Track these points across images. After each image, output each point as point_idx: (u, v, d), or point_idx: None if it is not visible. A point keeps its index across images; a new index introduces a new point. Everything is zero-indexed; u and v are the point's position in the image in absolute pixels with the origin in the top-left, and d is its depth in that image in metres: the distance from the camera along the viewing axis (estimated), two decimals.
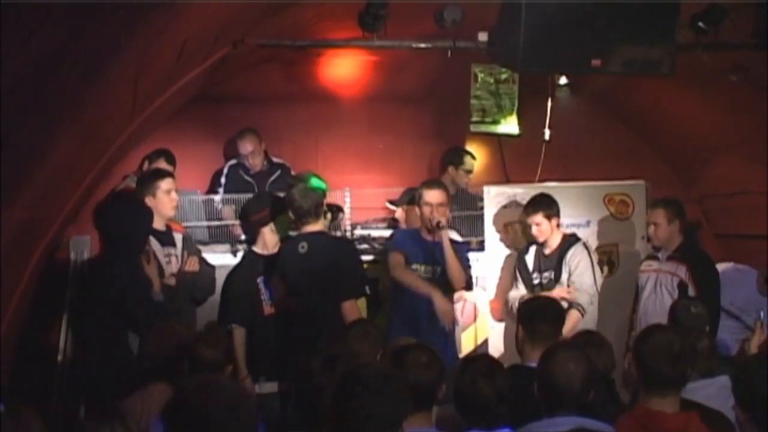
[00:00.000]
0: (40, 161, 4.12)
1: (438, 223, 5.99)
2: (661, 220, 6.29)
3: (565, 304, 6.18)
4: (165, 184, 5.92)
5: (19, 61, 2.97)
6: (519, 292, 6.50)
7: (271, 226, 6.18)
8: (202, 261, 6.20)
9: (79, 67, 3.61)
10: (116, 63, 4.09)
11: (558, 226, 6.43)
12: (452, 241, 6.14)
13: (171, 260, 5.95)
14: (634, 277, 6.59)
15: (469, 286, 6.35)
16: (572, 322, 6.09)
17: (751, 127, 7.04)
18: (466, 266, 6.22)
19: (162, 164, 6.64)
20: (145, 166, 6.71)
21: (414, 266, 6.11)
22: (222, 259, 6.50)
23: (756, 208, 7.24)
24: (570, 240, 6.45)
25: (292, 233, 6.20)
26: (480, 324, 6.88)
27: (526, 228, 6.58)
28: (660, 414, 3.48)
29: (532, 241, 6.55)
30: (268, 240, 6.16)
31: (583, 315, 6.25)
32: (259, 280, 6.04)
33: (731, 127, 7.50)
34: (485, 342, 6.83)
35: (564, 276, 6.34)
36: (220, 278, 6.29)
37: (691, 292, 6.09)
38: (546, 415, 3.53)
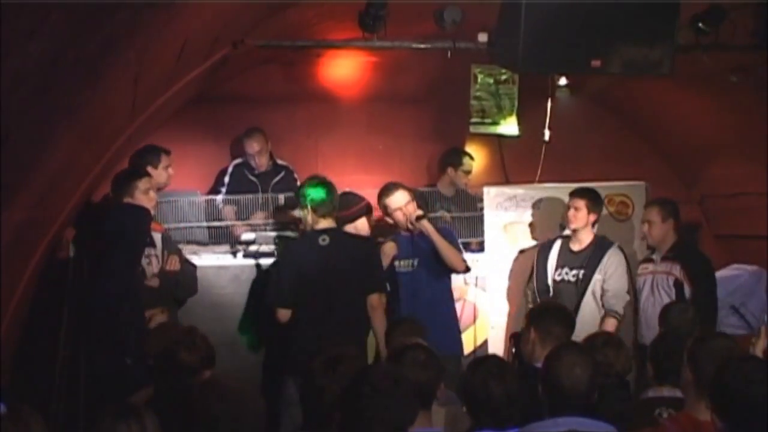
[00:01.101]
0: (40, 161, 4.12)
1: (417, 217, 6.05)
2: (655, 218, 6.32)
3: (601, 312, 6.18)
4: (143, 183, 5.82)
5: (19, 61, 2.97)
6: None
7: (357, 224, 6.27)
8: (185, 261, 6.17)
9: (79, 67, 3.61)
10: (116, 63, 4.09)
11: (593, 225, 6.38)
12: (437, 227, 6.20)
13: (151, 261, 5.92)
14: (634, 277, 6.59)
15: (467, 267, 6.32)
16: (610, 330, 6.06)
17: (751, 128, 7.05)
18: (459, 249, 6.26)
19: (166, 161, 6.56)
20: (150, 169, 6.59)
21: (395, 263, 6.19)
22: (222, 259, 6.50)
23: (756, 208, 7.24)
24: (605, 242, 6.40)
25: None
26: (480, 324, 6.88)
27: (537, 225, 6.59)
28: (707, 424, 3.43)
29: (556, 236, 6.54)
30: None
31: (619, 321, 6.23)
32: None
33: (731, 127, 7.50)
34: (485, 342, 6.84)
35: (596, 277, 6.28)
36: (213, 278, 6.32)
37: (687, 289, 6.10)
38: (549, 416, 3.52)
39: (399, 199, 6.14)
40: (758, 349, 5.52)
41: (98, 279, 5.45)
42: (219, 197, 7.14)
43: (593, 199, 6.36)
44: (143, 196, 5.80)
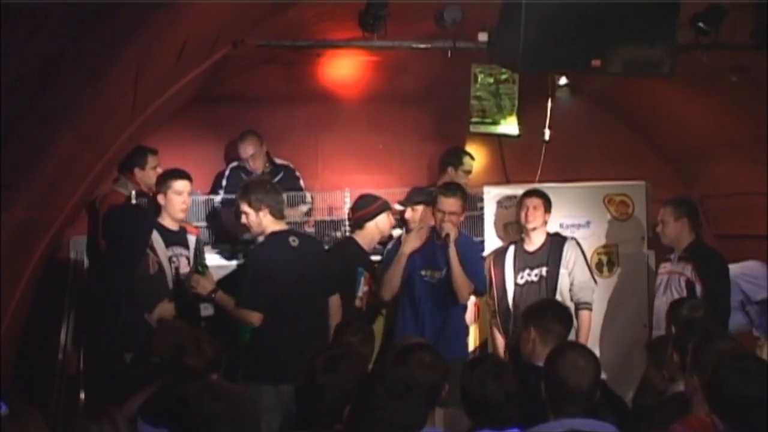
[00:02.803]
0: (40, 161, 4.12)
1: (447, 236, 6.05)
2: (668, 218, 6.30)
3: (572, 307, 6.21)
4: (177, 185, 5.96)
5: (19, 61, 2.97)
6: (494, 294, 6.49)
7: (378, 221, 6.41)
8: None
9: (79, 67, 3.61)
10: (116, 63, 4.09)
11: (545, 224, 6.43)
12: (464, 245, 6.19)
13: (180, 260, 5.94)
14: (635, 277, 6.60)
15: (477, 293, 6.43)
16: (586, 324, 6.19)
17: (751, 127, 7.04)
18: (477, 274, 6.27)
19: (153, 161, 6.67)
20: (138, 171, 6.73)
21: (421, 272, 6.22)
22: (222, 259, 6.51)
23: (756, 208, 7.23)
24: (560, 238, 6.46)
25: (248, 236, 6.24)
26: (480, 324, 6.88)
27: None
28: (717, 425, 3.42)
29: (510, 241, 6.55)
30: (373, 236, 6.46)
31: (590, 310, 6.28)
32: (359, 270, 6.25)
33: (731, 127, 7.49)
34: (485, 343, 6.84)
35: (561, 271, 6.31)
36: None
37: (699, 290, 6.07)
38: (552, 415, 3.51)
39: (447, 205, 6.18)
40: (765, 353, 5.52)
41: (99, 277, 5.47)
42: (218, 198, 7.12)
43: (549, 200, 6.42)
44: (175, 197, 5.96)
